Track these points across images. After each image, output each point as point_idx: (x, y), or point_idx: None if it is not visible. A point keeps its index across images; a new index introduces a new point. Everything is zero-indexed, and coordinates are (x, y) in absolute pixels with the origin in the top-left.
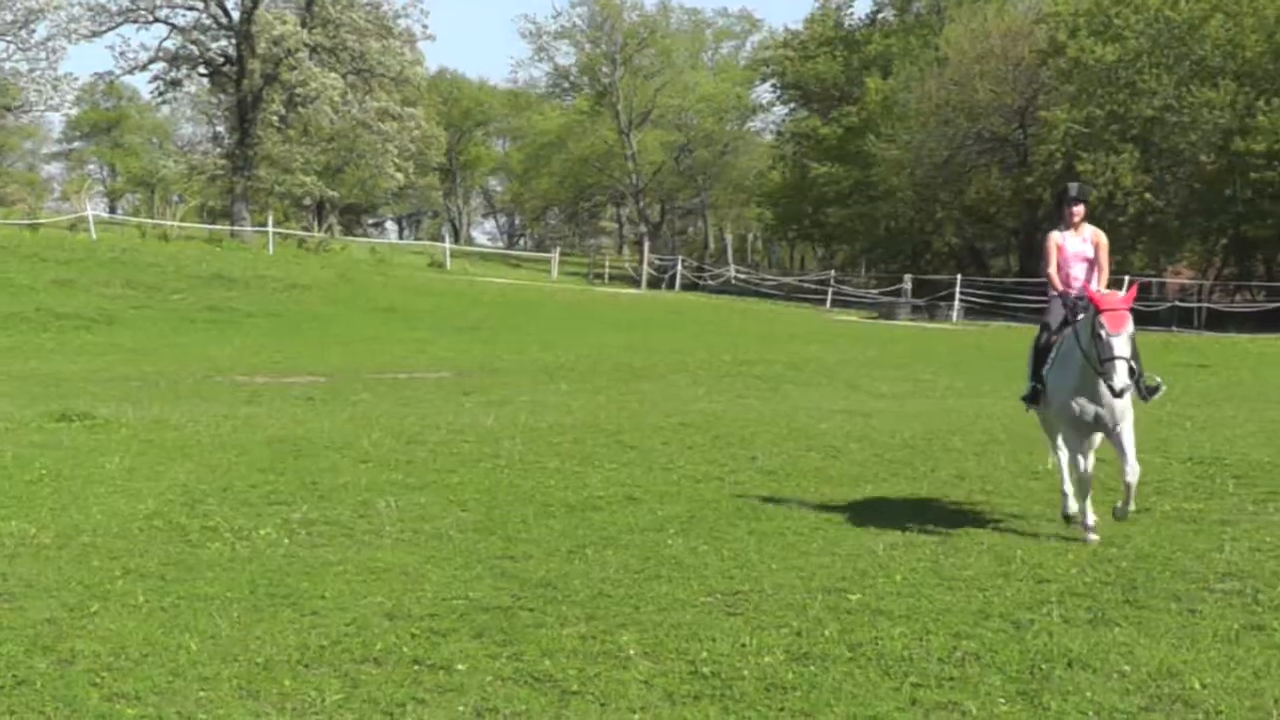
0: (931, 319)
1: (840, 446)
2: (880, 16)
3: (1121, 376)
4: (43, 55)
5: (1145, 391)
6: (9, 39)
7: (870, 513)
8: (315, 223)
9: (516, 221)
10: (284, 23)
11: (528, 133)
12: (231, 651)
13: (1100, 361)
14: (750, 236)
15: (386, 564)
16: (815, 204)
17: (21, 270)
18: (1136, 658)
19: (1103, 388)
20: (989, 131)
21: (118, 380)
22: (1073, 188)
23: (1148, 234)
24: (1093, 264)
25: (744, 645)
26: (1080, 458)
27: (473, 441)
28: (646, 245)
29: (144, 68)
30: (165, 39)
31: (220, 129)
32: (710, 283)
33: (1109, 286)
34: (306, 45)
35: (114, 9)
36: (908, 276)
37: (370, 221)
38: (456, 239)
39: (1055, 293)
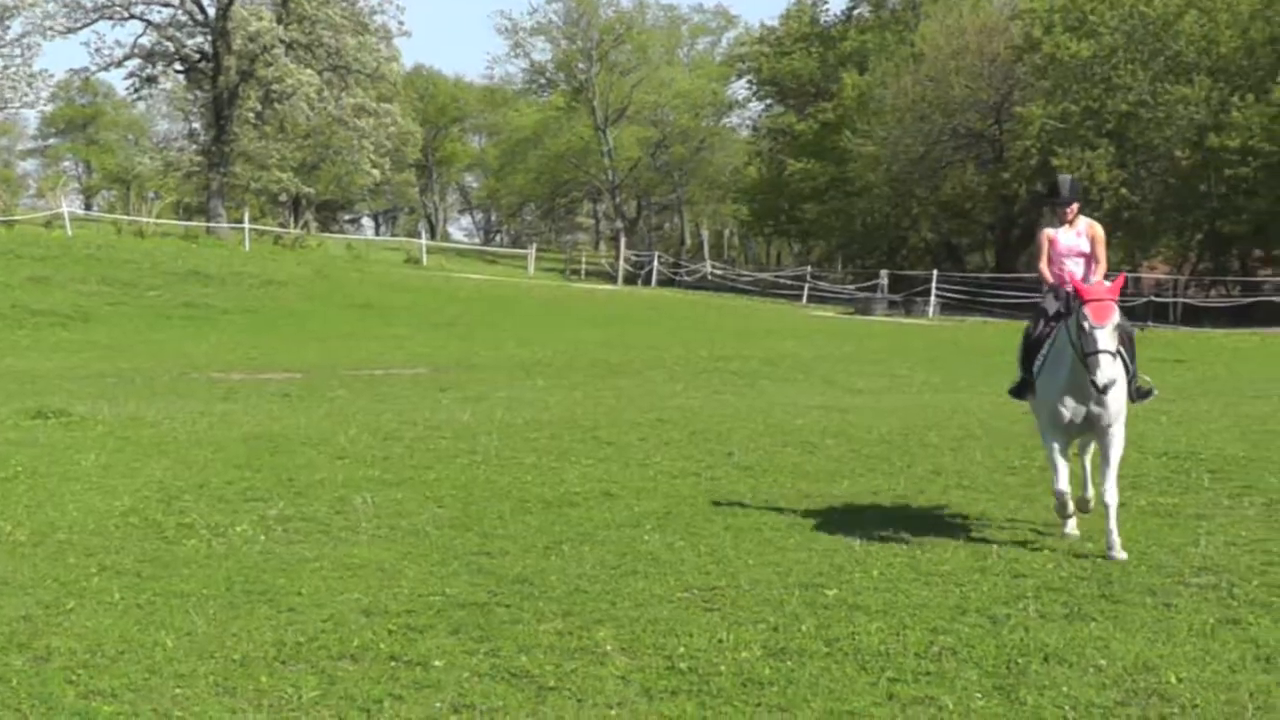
0: (908, 314)
1: (817, 442)
2: (856, 12)
3: (1106, 371)
4: (17, 52)
5: (1136, 394)
6: None
7: (847, 508)
8: (291, 219)
9: (493, 218)
10: (260, 19)
11: (504, 129)
12: (208, 648)
13: (1084, 355)
14: (726, 232)
15: (363, 560)
16: (791, 200)
17: None
18: (1112, 652)
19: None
20: (965, 127)
21: (93, 377)
22: (1063, 185)
23: (1123, 229)
24: (1089, 259)
25: (721, 641)
26: (1061, 459)
27: (449, 438)
28: (623, 241)
29: (119, 64)
30: (141, 35)
31: (196, 125)
32: (686, 279)
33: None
34: (282, 41)
35: (89, 5)
36: (884, 272)
37: (346, 218)
38: (433, 235)
39: (1047, 288)
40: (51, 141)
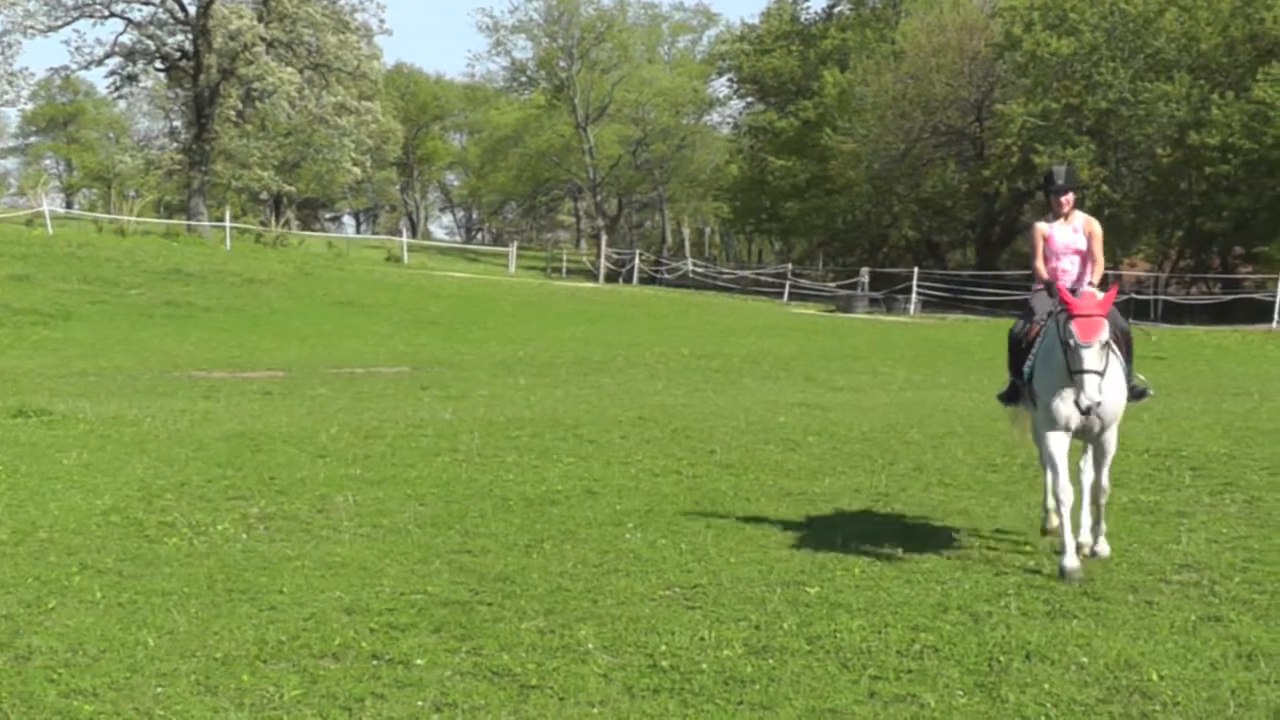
0: (889, 312)
1: (798, 440)
2: (836, 10)
3: (1090, 393)
4: None
5: (1131, 393)
6: None
7: (828, 506)
8: (272, 217)
9: (474, 216)
10: (240, 17)
11: (485, 127)
12: (189, 647)
13: (1070, 373)
14: (708, 230)
15: (344, 559)
16: (772, 198)
17: None
18: (1094, 649)
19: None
20: (945, 125)
21: (75, 376)
22: (1058, 174)
23: (1104, 227)
24: (1085, 256)
25: (703, 639)
26: (1061, 460)
27: (431, 436)
28: (604, 239)
29: (100, 63)
30: (121, 34)
31: (177, 124)
32: (668, 276)
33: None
34: (263, 40)
35: (69, 3)
36: (865, 270)
37: (328, 216)
38: (414, 233)
39: (1038, 287)
40: (32, 140)
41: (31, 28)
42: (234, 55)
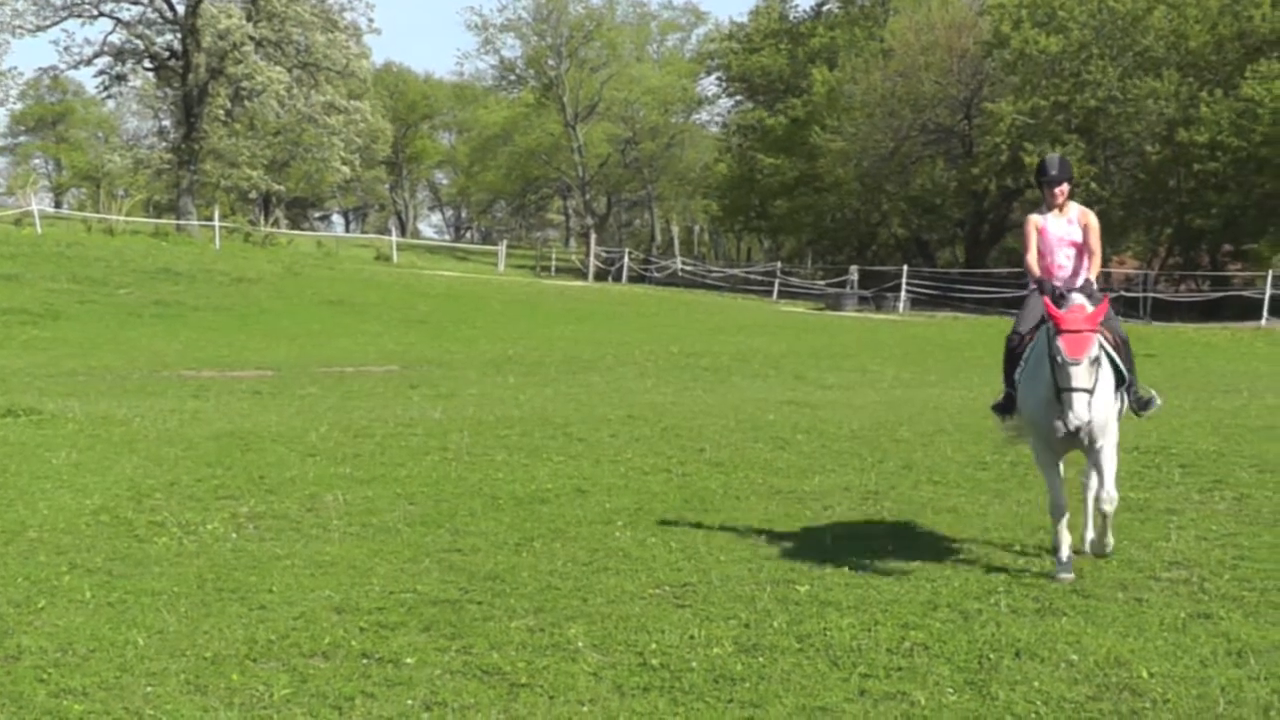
0: (878, 310)
1: (788, 438)
2: (825, 9)
3: (1077, 413)
4: None
5: (1137, 404)
6: None
7: (818, 504)
8: (261, 217)
9: (463, 214)
10: (229, 16)
11: (474, 125)
12: (179, 646)
13: (1057, 391)
14: (696, 229)
15: (334, 558)
16: (761, 196)
17: None
18: (1084, 647)
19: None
20: (934, 123)
21: (64, 375)
22: (1051, 164)
23: None
24: (1081, 249)
25: (692, 637)
26: (1056, 478)
27: (420, 435)
28: (593, 237)
29: (89, 62)
30: (110, 33)
31: (166, 123)
32: (657, 275)
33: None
34: (252, 39)
35: (58, 3)
36: (854, 268)
37: (317, 215)
38: (403, 232)
39: (1034, 285)
40: (21, 139)
41: (20, 27)
42: (223, 54)
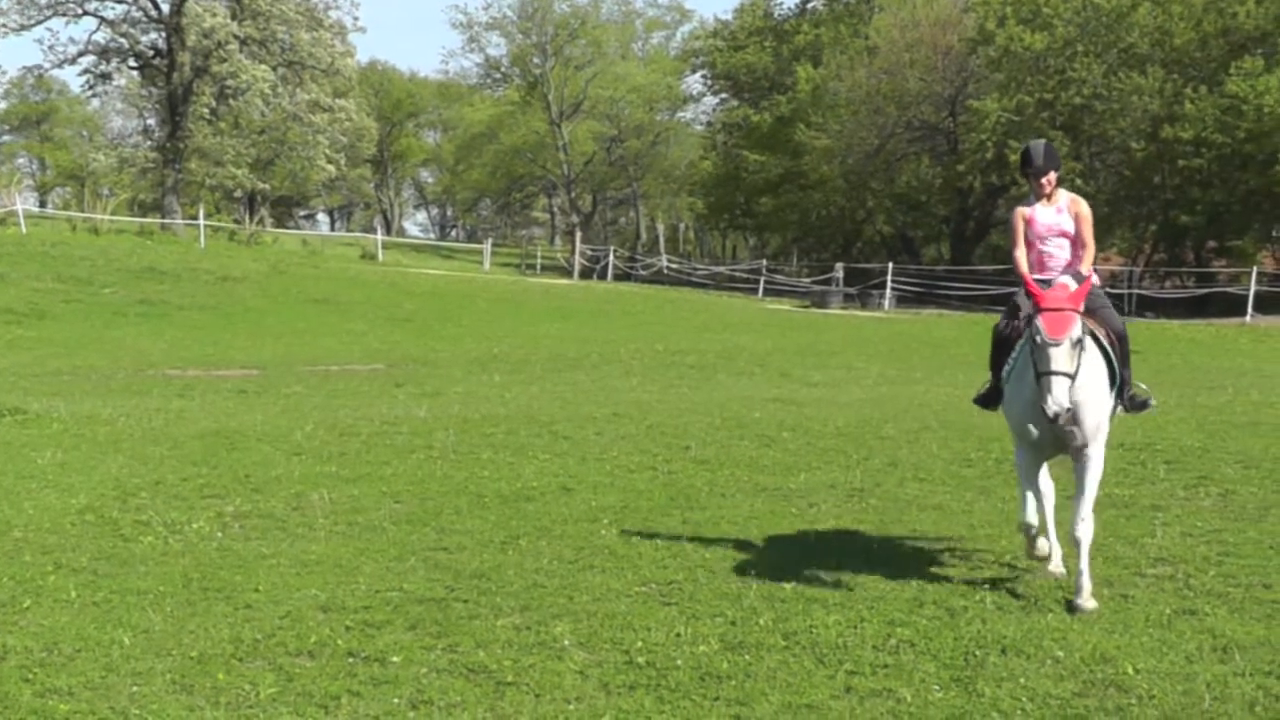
0: (863, 307)
1: (773, 435)
2: (810, 6)
3: (1057, 398)
4: None
5: (1130, 403)
6: None
7: (803, 501)
8: (247, 215)
9: (448, 213)
10: (214, 15)
11: (459, 124)
12: (165, 646)
13: (1036, 375)
14: (682, 226)
15: (320, 557)
16: (747, 193)
17: None
18: (1070, 643)
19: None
20: (919, 120)
21: (49, 375)
22: (1036, 153)
23: None
24: (1073, 240)
25: (679, 635)
26: (1035, 481)
27: (406, 433)
28: (578, 235)
29: (73, 61)
30: (95, 32)
31: (151, 122)
32: (642, 273)
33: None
34: (237, 37)
35: (43, 2)
36: (839, 265)
37: (302, 214)
38: (388, 230)
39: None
40: (6, 139)
41: (4, 26)
42: (207, 53)
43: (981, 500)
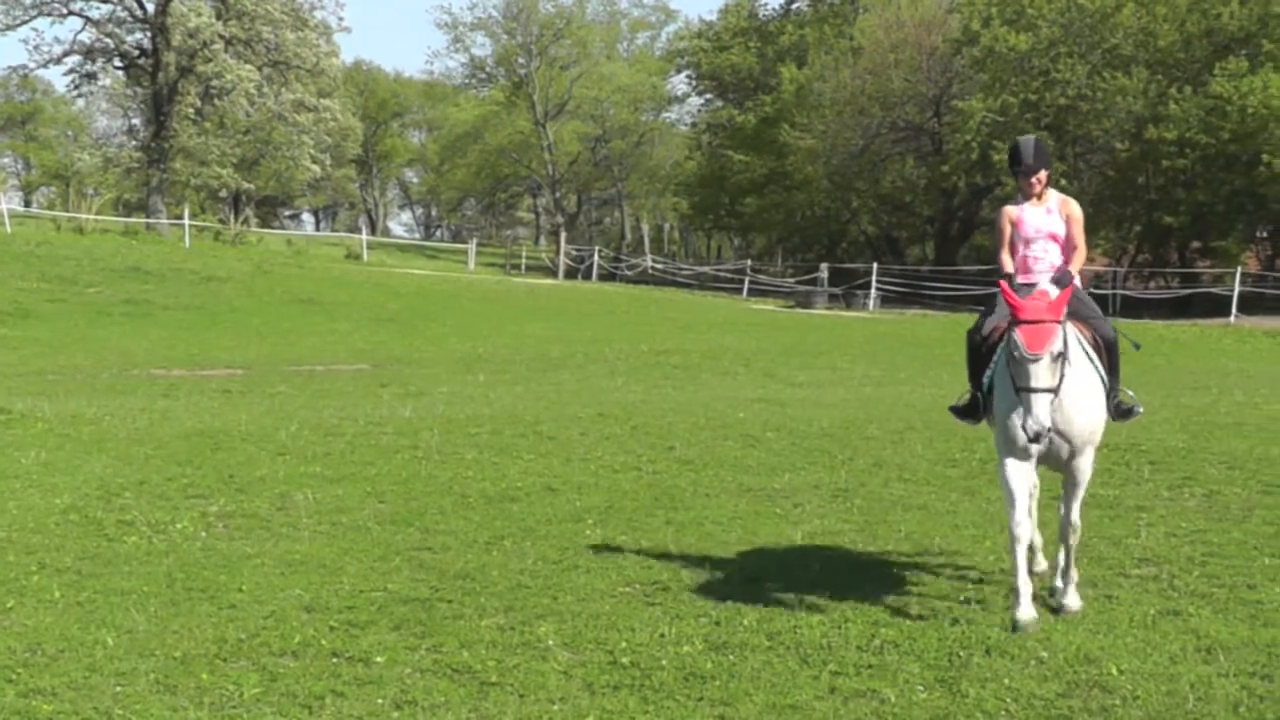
0: (848, 307)
1: (758, 435)
2: (794, 7)
3: (1038, 416)
4: None
5: (1116, 411)
6: None
7: (788, 501)
8: (231, 215)
9: (433, 213)
10: (199, 15)
11: (444, 124)
12: (149, 646)
13: (1015, 390)
14: (667, 226)
15: (304, 556)
16: (732, 194)
17: None
18: (1054, 644)
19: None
20: (904, 121)
21: (33, 374)
22: (1026, 150)
23: None
24: (1063, 243)
25: (663, 635)
26: (1020, 491)
27: (390, 433)
28: (563, 236)
29: (58, 61)
30: (80, 32)
31: (136, 122)
32: (627, 273)
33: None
34: (222, 37)
35: (28, 2)
36: (824, 265)
37: (287, 213)
38: (373, 230)
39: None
40: None
41: None
42: (193, 53)
43: (966, 501)
